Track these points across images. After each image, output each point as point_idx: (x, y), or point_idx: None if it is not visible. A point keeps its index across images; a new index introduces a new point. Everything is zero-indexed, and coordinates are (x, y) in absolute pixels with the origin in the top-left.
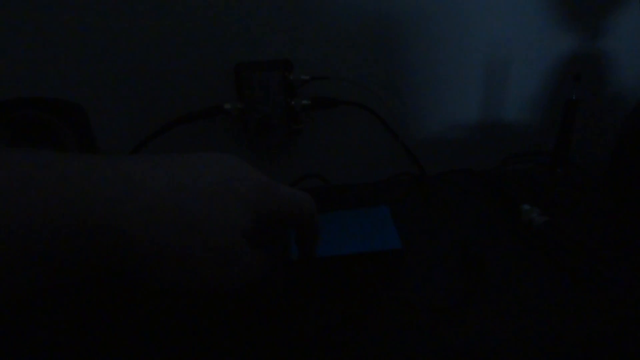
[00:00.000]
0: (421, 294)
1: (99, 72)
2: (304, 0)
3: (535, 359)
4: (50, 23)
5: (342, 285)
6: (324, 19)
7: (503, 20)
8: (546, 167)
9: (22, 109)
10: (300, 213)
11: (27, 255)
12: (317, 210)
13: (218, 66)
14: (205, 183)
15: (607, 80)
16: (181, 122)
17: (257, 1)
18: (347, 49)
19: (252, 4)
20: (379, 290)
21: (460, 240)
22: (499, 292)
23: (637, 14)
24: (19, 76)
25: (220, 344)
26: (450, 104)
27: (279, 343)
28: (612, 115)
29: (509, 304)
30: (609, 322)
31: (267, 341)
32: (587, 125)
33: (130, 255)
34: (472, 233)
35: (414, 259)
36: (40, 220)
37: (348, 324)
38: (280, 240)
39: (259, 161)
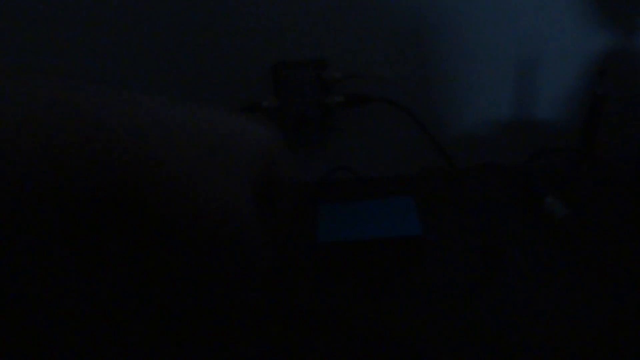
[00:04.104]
0: (440, 279)
1: (136, 70)
2: (338, 3)
3: (548, 341)
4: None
5: (365, 270)
6: (357, 19)
7: (535, 17)
8: (572, 163)
9: None
10: (289, 185)
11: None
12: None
13: (257, 65)
14: (224, 123)
15: None
16: None
17: (295, 3)
18: (380, 48)
19: (289, 6)
20: (399, 274)
21: (482, 229)
22: (515, 278)
23: None
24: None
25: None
26: (482, 101)
27: (299, 324)
28: None
29: (524, 289)
30: (615, 309)
31: (288, 321)
32: (618, 123)
33: (142, 172)
34: (494, 223)
35: (435, 247)
36: (61, 135)
37: (367, 305)
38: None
39: (294, 156)
